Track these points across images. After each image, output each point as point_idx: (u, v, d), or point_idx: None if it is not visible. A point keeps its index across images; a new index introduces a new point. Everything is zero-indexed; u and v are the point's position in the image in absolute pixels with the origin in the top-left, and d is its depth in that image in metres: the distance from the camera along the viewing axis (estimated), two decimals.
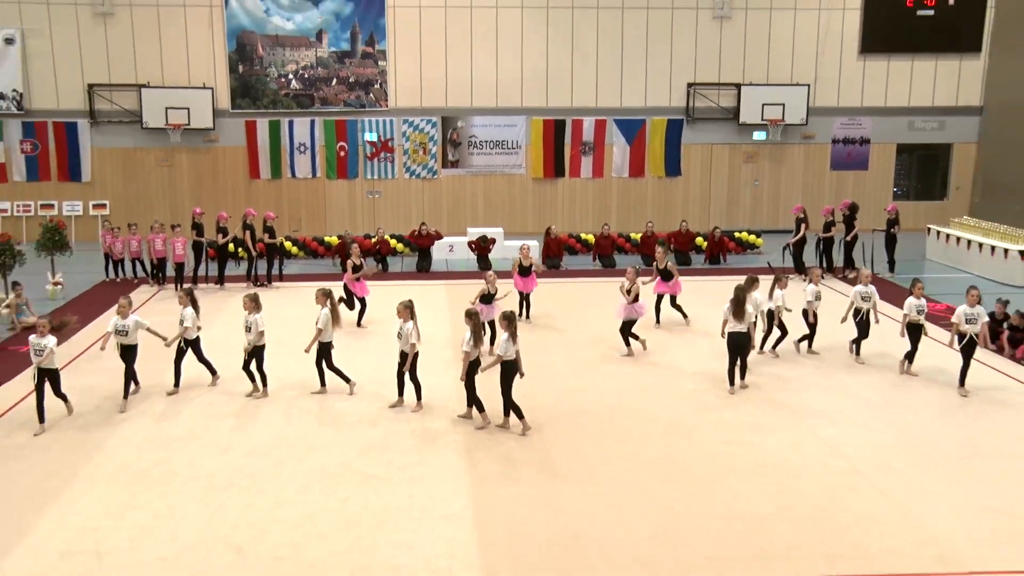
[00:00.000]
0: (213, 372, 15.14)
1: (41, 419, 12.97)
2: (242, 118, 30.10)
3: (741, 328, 14.33)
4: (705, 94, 30.94)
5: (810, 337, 16.80)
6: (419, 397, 13.95)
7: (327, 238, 27.00)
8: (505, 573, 9.15)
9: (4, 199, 29.40)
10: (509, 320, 12.95)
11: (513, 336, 12.82)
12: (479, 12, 30.08)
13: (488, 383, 13.17)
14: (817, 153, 31.72)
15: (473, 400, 13.28)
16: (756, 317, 15.32)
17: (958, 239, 25.39)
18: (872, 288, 16.16)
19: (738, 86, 30.75)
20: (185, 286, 14.95)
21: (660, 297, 18.88)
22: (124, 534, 9.98)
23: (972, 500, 10.75)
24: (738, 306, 14.24)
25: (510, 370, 12.90)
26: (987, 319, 14.89)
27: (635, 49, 30.66)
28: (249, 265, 23.18)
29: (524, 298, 19.45)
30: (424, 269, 25.25)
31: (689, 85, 30.88)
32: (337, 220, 30.16)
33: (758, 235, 27.91)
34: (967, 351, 14.43)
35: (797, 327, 16.81)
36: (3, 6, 28.59)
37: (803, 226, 23.30)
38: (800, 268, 23.11)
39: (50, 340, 12.93)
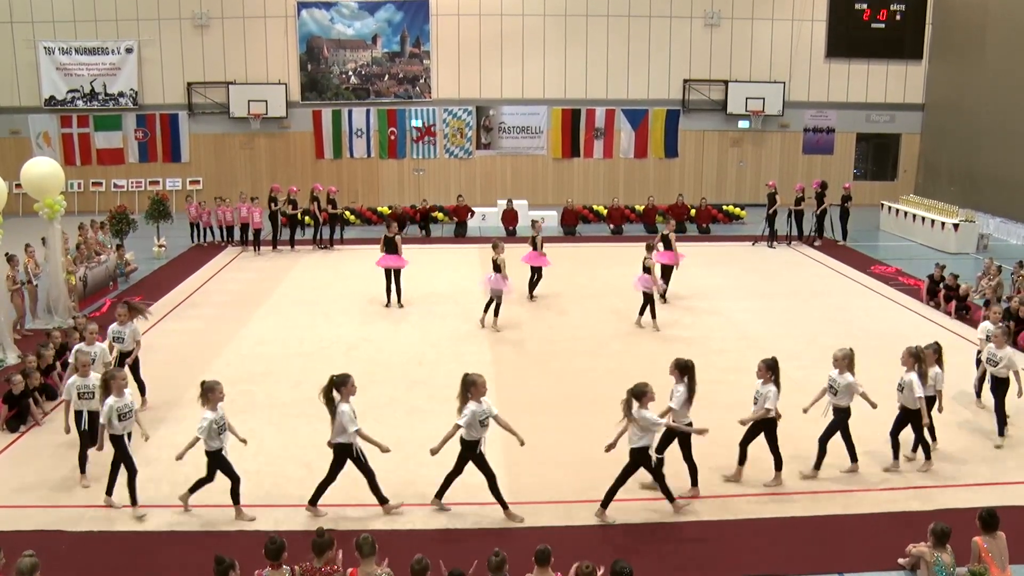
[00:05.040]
0: None
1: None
2: (310, 108, 29.88)
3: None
4: (698, 88, 30.37)
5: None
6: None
7: (380, 208, 26.89)
8: (529, 490, 9.15)
9: (122, 177, 29.54)
10: None
11: None
12: (508, 19, 29.65)
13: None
14: (791, 139, 31.15)
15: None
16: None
17: (905, 213, 24.93)
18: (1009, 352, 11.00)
19: (726, 82, 30.17)
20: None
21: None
22: None
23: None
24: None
25: None
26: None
27: (639, 50, 30.11)
28: (315, 230, 23.12)
29: (535, 272, 17.18)
30: (461, 235, 25.10)
31: (685, 81, 30.32)
32: (388, 194, 29.97)
33: (742, 208, 27.51)
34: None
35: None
36: (125, 23, 28.75)
37: (776, 199, 22.72)
38: (773, 236, 22.80)
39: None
